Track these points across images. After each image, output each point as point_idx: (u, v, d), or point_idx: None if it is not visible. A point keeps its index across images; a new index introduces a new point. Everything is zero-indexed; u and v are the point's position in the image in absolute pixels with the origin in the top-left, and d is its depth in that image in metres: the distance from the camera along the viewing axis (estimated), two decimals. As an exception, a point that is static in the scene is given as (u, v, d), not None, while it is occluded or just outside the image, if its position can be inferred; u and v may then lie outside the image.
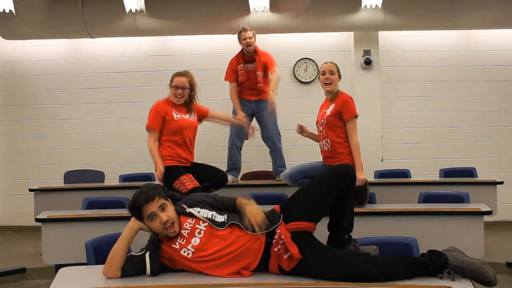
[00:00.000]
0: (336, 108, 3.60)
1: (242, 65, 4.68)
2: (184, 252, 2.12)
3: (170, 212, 2.16)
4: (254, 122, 4.85)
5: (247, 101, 4.75)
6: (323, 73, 3.69)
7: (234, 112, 4.79)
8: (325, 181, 2.30)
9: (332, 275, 1.99)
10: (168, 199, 2.23)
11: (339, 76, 3.71)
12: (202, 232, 2.15)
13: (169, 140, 3.74)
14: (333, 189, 2.26)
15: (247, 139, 4.87)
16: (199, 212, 2.23)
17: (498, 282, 1.95)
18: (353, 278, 1.96)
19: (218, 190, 3.81)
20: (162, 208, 2.15)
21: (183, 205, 2.29)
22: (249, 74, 4.68)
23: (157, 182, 3.67)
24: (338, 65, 3.78)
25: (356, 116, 3.60)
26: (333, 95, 3.69)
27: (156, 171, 3.68)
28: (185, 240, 2.14)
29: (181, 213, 2.24)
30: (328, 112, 3.64)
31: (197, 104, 3.94)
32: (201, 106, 3.97)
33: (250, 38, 4.57)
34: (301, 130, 3.96)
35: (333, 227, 2.41)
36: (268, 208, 2.36)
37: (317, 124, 3.79)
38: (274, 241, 2.13)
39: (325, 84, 3.68)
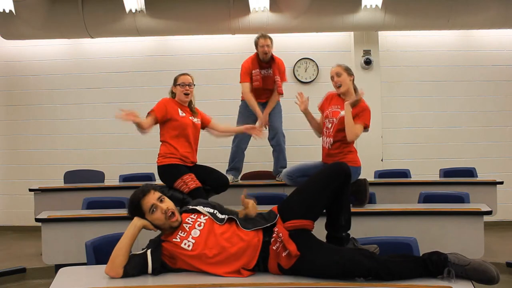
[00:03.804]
0: (353, 113, 3.53)
1: (257, 70, 4.57)
2: (185, 244, 2.13)
3: (168, 203, 2.21)
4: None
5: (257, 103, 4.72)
6: (332, 78, 3.70)
7: (241, 112, 4.80)
8: (320, 178, 2.33)
9: (331, 270, 2.00)
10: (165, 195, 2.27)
11: (350, 75, 3.68)
12: (202, 224, 2.19)
13: (172, 138, 3.73)
14: (328, 186, 2.27)
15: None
16: (202, 208, 2.29)
17: (499, 282, 1.95)
18: (353, 272, 1.97)
19: (218, 194, 3.81)
20: (161, 200, 2.20)
21: (188, 206, 2.35)
22: (265, 79, 4.60)
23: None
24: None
25: (366, 125, 3.56)
26: (354, 103, 3.55)
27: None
28: (185, 233, 2.17)
29: (183, 211, 2.29)
30: (343, 113, 3.58)
31: (201, 111, 3.96)
32: (204, 114, 3.99)
33: (268, 46, 4.50)
34: (302, 102, 3.83)
35: (330, 225, 2.42)
36: (268, 208, 2.37)
37: (325, 118, 3.74)
38: (272, 239, 2.15)
39: (337, 87, 3.67)
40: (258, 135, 3.97)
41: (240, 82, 4.67)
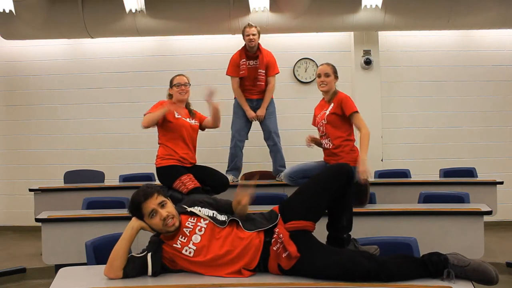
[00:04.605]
0: (335, 107, 3.63)
1: (244, 60, 4.66)
2: (186, 251, 2.12)
3: (170, 208, 2.19)
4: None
5: (248, 100, 4.77)
6: (319, 76, 3.75)
7: (235, 111, 4.81)
8: (322, 180, 2.31)
9: (331, 272, 1.99)
10: (168, 197, 2.25)
11: (336, 77, 3.74)
12: (203, 229, 2.17)
13: (169, 140, 3.75)
14: (330, 187, 2.26)
15: (247, 139, 4.89)
16: (200, 210, 2.26)
17: (499, 282, 1.95)
18: (352, 273, 1.96)
19: (218, 194, 3.81)
20: (162, 205, 2.17)
21: (184, 206, 2.31)
22: (250, 70, 4.67)
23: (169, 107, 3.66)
24: (337, 65, 3.83)
25: (356, 111, 3.61)
26: (331, 96, 3.71)
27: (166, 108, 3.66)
28: (186, 238, 2.15)
29: (182, 212, 2.26)
30: (328, 112, 3.67)
31: (198, 113, 3.98)
32: (201, 114, 4.00)
33: (254, 35, 4.57)
34: (311, 141, 3.92)
35: (332, 226, 2.41)
36: (268, 208, 2.37)
37: (317, 126, 3.81)
38: (273, 240, 2.14)
39: (321, 86, 3.73)
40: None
41: (227, 74, 4.77)
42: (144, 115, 3.74)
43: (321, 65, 3.79)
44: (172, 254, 2.15)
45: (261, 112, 4.72)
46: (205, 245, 2.12)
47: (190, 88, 3.91)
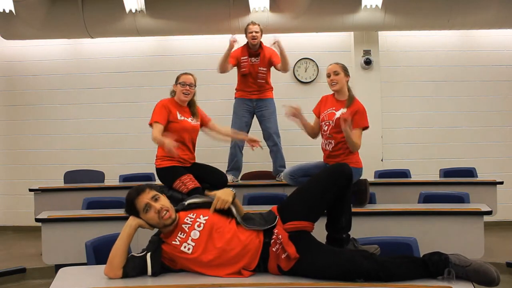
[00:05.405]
0: (348, 114, 3.50)
1: (246, 57, 4.68)
2: (185, 247, 2.12)
3: (163, 201, 2.19)
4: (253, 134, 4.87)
5: (248, 100, 4.77)
6: (328, 75, 3.70)
7: (235, 111, 4.82)
8: (322, 180, 2.31)
9: (331, 272, 1.99)
10: (163, 194, 2.25)
11: (346, 75, 3.70)
12: (202, 225, 2.17)
13: None
14: (330, 188, 2.25)
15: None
16: (198, 199, 2.30)
17: (499, 283, 1.95)
18: (352, 273, 1.96)
19: None
20: (155, 199, 2.17)
21: (184, 202, 2.33)
22: (252, 67, 4.68)
23: (169, 147, 3.32)
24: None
25: (365, 127, 3.59)
26: (348, 101, 3.63)
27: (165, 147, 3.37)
28: (185, 234, 2.15)
29: (181, 209, 2.27)
30: (338, 114, 3.60)
31: (201, 110, 3.94)
32: (204, 113, 3.97)
33: (257, 32, 4.61)
34: (295, 113, 3.68)
35: (331, 226, 2.41)
36: (268, 208, 2.37)
37: (322, 122, 3.75)
38: (272, 241, 2.14)
39: (332, 85, 3.69)
40: (255, 145, 3.93)
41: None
42: (151, 123, 3.63)
43: (330, 64, 3.74)
44: (171, 254, 2.14)
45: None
46: (203, 241, 2.12)
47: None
